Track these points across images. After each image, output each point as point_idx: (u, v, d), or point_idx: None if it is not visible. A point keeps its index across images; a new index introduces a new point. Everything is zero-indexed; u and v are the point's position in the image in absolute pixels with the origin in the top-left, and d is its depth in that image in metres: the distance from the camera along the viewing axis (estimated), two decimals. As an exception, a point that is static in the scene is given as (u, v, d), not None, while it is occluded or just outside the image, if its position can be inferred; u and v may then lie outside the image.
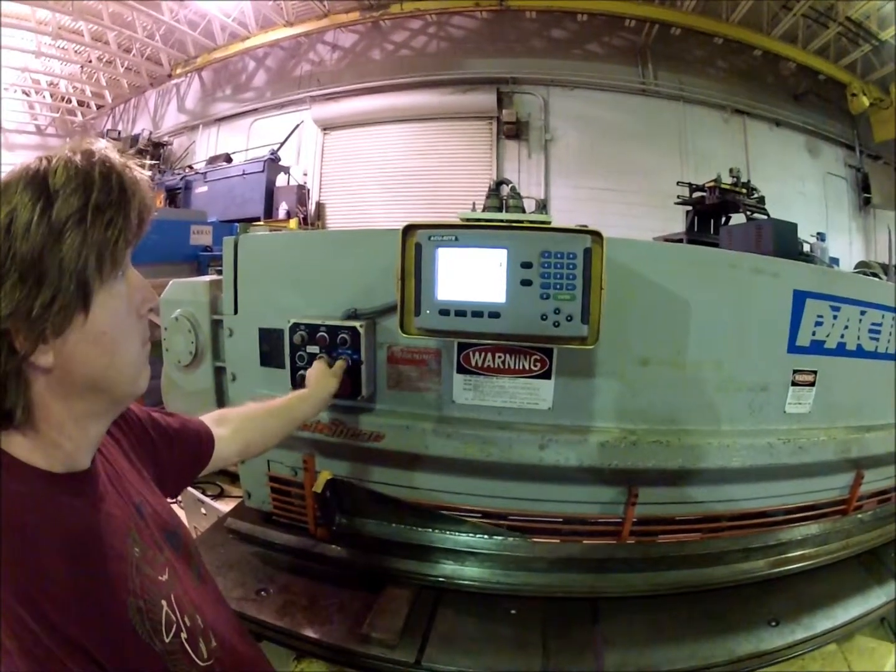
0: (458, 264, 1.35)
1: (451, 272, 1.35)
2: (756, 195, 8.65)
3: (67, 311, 0.68)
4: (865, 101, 10.67)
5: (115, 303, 0.73)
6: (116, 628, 0.71)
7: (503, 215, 1.78)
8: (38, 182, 0.67)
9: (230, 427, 1.24)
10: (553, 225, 1.37)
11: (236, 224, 7.71)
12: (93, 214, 0.68)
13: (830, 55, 10.89)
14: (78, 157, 0.69)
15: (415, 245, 1.35)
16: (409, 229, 1.36)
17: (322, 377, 1.44)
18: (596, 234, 1.30)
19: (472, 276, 1.34)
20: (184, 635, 0.80)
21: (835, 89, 11.30)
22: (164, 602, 0.79)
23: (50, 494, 0.72)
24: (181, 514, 2.12)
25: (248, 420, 1.30)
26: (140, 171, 0.75)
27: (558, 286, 1.30)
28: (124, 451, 0.94)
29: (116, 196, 0.70)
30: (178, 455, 1.09)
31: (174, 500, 1.98)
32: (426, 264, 1.35)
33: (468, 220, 1.40)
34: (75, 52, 13.28)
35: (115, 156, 0.73)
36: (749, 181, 8.85)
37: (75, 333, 0.69)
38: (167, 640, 0.76)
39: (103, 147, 0.73)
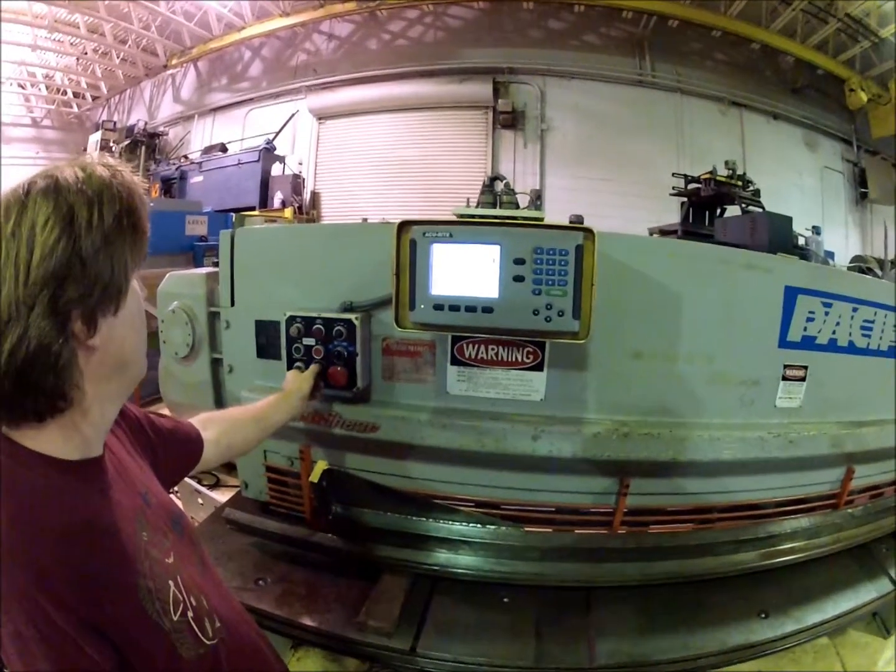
0: (452, 260, 1.36)
1: (445, 268, 1.36)
2: (752, 188, 8.62)
3: (116, 299, 0.78)
4: (864, 97, 10.60)
5: (136, 292, 0.85)
6: (127, 608, 0.75)
7: (497, 211, 1.79)
8: (79, 190, 0.74)
9: (214, 432, 1.30)
10: (546, 221, 1.38)
11: (231, 214, 7.66)
12: (127, 218, 0.78)
13: (829, 50, 10.83)
14: (100, 171, 0.77)
15: (409, 241, 1.36)
16: (404, 225, 1.37)
17: (296, 380, 1.50)
18: (588, 231, 1.32)
19: (466, 272, 1.36)
20: (190, 614, 0.84)
21: (833, 84, 11.23)
22: (171, 583, 0.83)
23: (63, 483, 0.76)
24: (178, 504, 2.13)
25: (231, 426, 1.36)
26: (141, 186, 0.84)
27: (550, 282, 1.32)
28: (125, 446, 0.98)
29: (136, 204, 0.80)
30: (172, 454, 1.14)
31: (171, 491, 1.99)
32: (421, 260, 1.36)
33: (462, 216, 1.41)
34: (71, 44, 13.12)
35: (126, 170, 0.82)
36: (745, 174, 8.80)
37: (116, 317, 0.79)
38: (175, 619, 0.80)
39: (113, 163, 0.81)
